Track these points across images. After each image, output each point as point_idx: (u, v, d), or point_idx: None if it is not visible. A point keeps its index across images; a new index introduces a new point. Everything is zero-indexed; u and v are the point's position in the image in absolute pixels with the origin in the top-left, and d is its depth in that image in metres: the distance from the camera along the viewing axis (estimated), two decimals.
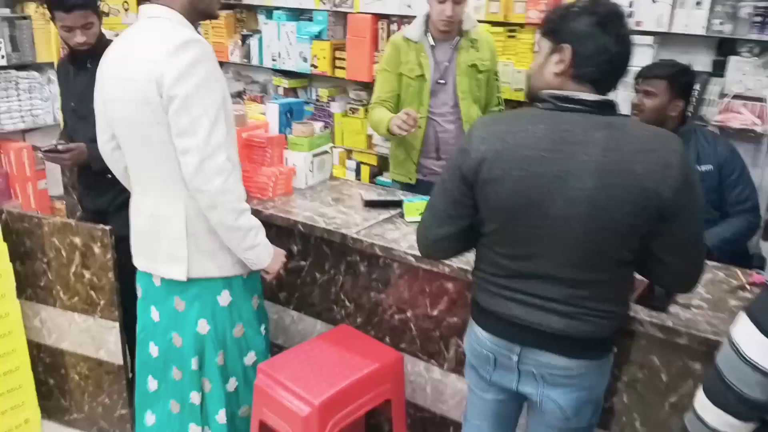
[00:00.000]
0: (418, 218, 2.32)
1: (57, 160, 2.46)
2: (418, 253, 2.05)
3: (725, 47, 2.96)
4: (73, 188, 3.18)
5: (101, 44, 2.46)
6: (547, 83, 1.47)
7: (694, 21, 2.85)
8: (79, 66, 2.49)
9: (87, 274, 2.32)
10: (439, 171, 2.81)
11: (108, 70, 1.86)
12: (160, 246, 1.91)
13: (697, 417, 1.28)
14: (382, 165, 3.97)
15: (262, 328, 2.14)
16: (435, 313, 2.17)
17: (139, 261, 2.01)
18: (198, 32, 1.84)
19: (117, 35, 2.88)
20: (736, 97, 2.90)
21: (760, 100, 2.86)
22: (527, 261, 1.48)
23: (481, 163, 1.43)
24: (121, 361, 2.38)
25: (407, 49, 2.75)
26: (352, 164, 3.95)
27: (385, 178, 3.88)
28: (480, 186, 1.46)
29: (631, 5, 2.95)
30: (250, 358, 2.09)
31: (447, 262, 2.02)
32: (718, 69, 2.97)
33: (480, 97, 2.78)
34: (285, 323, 2.58)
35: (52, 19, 2.40)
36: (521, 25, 3.31)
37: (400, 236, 2.21)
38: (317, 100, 4.13)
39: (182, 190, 1.81)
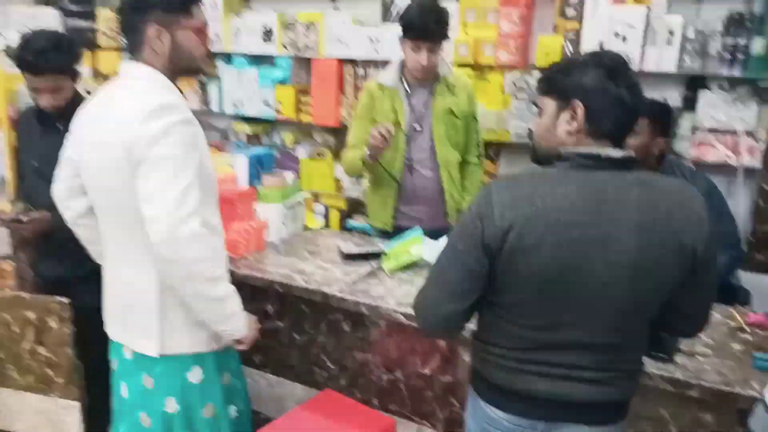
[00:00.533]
0: (397, 264, 2.26)
1: (17, 229, 2.29)
2: (407, 311, 1.97)
3: (695, 83, 3.00)
4: (24, 252, 2.98)
5: (72, 104, 2.33)
6: (560, 142, 1.38)
7: (665, 59, 2.88)
8: (47, 126, 2.34)
9: (42, 351, 2.13)
10: (418, 217, 2.74)
11: (82, 131, 1.76)
12: (134, 318, 1.78)
13: None
14: (352, 208, 3.88)
15: (233, 409, 1.97)
16: (427, 371, 2.07)
17: (112, 330, 1.87)
18: (179, 90, 1.73)
19: (89, 92, 2.78)
20: (709, 131, 2.92)
21: (732, 133, 2.89)
22: (554, 331, 1.37)
23: (509, 230, 1.29)
24: None
25: (382, 95, 2.68)
26: (320, 208, 3.85)
27: (355, 221, 3.79)
28: (506, 255, 1.32)
29: (601, 46, 2.96)
30: None
31: None
32: (689, 104, 3.00)
33: (459, 142, 2.73)
34: (260, 387, 2.43)
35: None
36: (490, 67, 3.30)
37: (386, 292, 2.11)
38: (282, 146, 4.03)
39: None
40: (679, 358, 1.73)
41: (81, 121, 1.79)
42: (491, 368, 1.47)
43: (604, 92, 1.32)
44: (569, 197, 1.28)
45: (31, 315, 2.11)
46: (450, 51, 3.26)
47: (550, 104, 1.40)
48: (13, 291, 2.18)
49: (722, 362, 1.73)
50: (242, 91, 3.95)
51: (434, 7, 2.51)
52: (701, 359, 1.74)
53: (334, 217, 3.82)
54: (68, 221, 1.96)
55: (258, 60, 3.97)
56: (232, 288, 1.75)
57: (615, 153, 1.33)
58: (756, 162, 2.82)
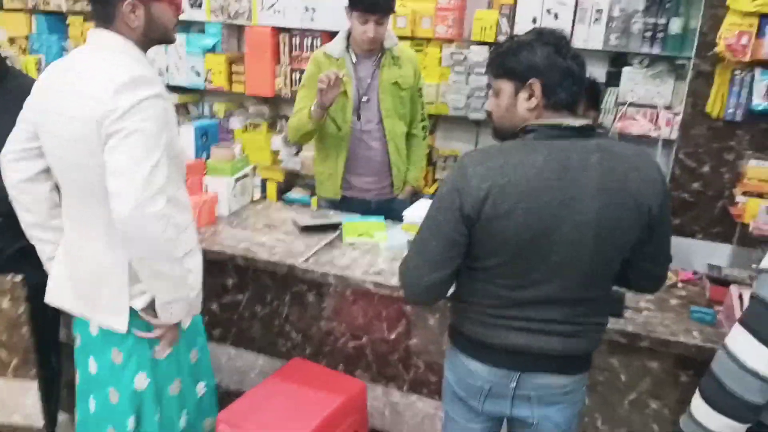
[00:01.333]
0: (357, 239, 2.34)
1: None
2: (375, 279, 2.06)
3: (618, 60, 3.23)
4: None
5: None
6: (522, 119, 1.50)
7: (592, 36, 3.09)
8: None
9: None
10: (366, 188, 2.82)
11: (46, 97, 1.68)
12: (101, 294, 1.74)
13: (695, 422, 1.38)
14: (290, 180, 3.89)
15: (201, 385, 1.99)
16: (393, 336, 2.17)
17: (75, 306, 1.82)
18: (146, 60, 1.69)
19: (7, 58, 2.60)
20: (631, 105, 3.18)
21: (652, 107, 3.15)
22: (529, 289, 1.50)
23: (485, 200, 1.41)
24: (41, 423, 2.12)
25: (328, 65, 2.70)
26: (256, 181, 3.81)
27: (293, 194, 3.81)
28: (483, 223, 1.43)
29: (534, 21, 3.12)
30: (183, 418, 1.95)
31: None
32: (613, 80, 3.24)
33: (404, 114, 2.81)
34: (221, 362, 2.44)
35: None
36: (428, 40, 3.39)
37: (351, 262, 2.19)
38: (213, 116, 3.96)
39: None
40: (627, 314, 1.93)
41: (44, 87, 1.71)
42: (470, 324, 1.60)
43: (555, 67, 1.45)
44: (537, 165, 1.41)
45: None
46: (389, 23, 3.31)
47: (506, 86, 1.51)
48: None
49: (664, 315, 1.95)
50: (169, 58, 3.82)
51: None
52: (647, 313, 1.95)
53: (272, 189, 3.82)
54: (10, 185, 1.84)
55: (186, 27, 3.85)
56: (188, 267, 1.73)
57: (575, 122, 1.47)
58: (673, 133, 3.10)
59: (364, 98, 2.72)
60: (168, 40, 1.77)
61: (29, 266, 2.25)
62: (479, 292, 1.55)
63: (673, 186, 3.10)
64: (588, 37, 3.09)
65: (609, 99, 3.23)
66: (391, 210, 2.79)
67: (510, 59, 1.49)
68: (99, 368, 1.84)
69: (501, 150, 1.47)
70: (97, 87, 1.56)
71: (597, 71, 3.24)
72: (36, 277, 2.23)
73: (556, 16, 3.11)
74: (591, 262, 1.46)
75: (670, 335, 1.83)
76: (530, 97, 1.47)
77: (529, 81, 1.46)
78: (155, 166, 1.55)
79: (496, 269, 1.50)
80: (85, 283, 1.78)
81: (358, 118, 2.73)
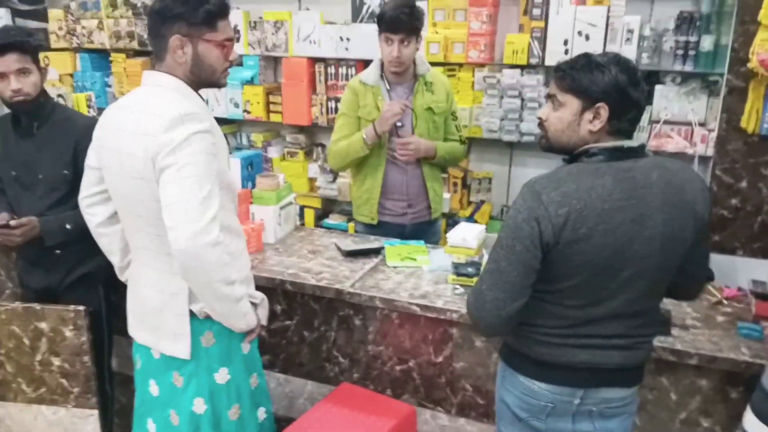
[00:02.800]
0: (400, 263, 2.39)
1: (5, 236, 2.25)
2: (421, 302, 2.10)
3: (650, 78, 3.25)
4: (0, 264, 2.91)
5: (47, 106, 2.30)
6: (582, 140, 1.53)
7: (623, 55, 3.11)
8: (24, 132, 2.29)
9: (56, 361, 2.13)
10: (401, 212, 2.86)
11: (104, 137, 1.78)
12: (164, 322, 1.82)
13: None
14: (327, 206, 3.96)
15: (261, 410, 2.03)
16: (440, 359, 2.20)
17: (138, 334, 1.91)
18: (201, 98, 1.78)
19: (60, 96, 2.73)
20: (665, 122, 3.19)
21: (686, 124, 3.16)
22: (597, 306, 1.54)
23: (564, 225, 1.44)
24: None
25: (364, 92, 2.78)
26: (295, 209, 3.91)
27: (331, 220, 3.87)
28: (561, 248, 1.47)
29: (566, 43, 3.17)
30: None
31: (453, 307, 2.06)
32: (646, 97, 3.25)
33: (438, 138, 2.86)
34: (270, 387, 2.48)
35: None
36: (460, 65, 3.45)
37: (395, 285, 2.23)
38: (251, 146, 4.06)
39: None
40: (674, 332, 1.94)
41: (102, 127, 1.80)
42: (534, 345, 1.61)
43: (626, 97, 1.48)
44: (607, 187, 1.45)
45: (43, 326, 2.11)
46: (422, 49, 3.39)
47: (573, 102, 1.52)
48: (22, 303, 2.15)
49: (711, 332, 1.95)
50: (209, 91, 3.94)
51: (406, 3, 2.65)
52: (694, 331, 1.95)
53: (309, 216, 3.90)
54: (91, 229, 1.98)
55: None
56: (245, 289, 1.81)
57: (633, 143, 1.52)
58: (709, 150, 3.10)
59: (399, 123, 2.78)
60: (215, 84, 1.81)
61: (88, 294, 2.36)
62: (546, 314, 1.58)
63: (712, 202, 3.09)
64: None
65: (643, 117, 3.24)
66: (426, 233, 2.84)
67: (584, 77, 1.49)
68: (161, 390, 1.90)
69: (569, 174, 1.49)
70: (148, 124, 1.64)
71: None
72: (94, 305, 2.33)
73: (587, 38, 3.15)
74: (655, 274, 1.52)
75: (718, 352, 1.84)
76: (594, 119, 1.49)
77: (598, 104, 1.47)
78: (207, 197, 1.62)
79: (568, 291, 1.53)
80: (149, 312, 1.86)
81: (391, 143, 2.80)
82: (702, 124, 3.16)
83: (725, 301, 2.16)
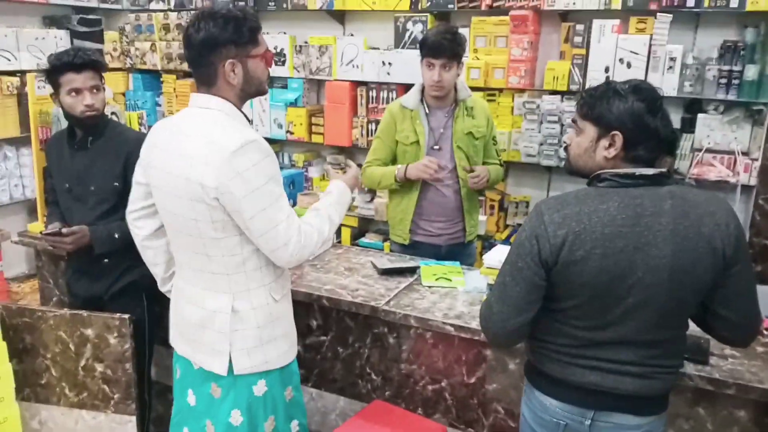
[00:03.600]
0: (435, 282, 2.40)
1: (57, 244, 2.35)
2: (455, 322, 2.11)
3: (693, 106, 3.23)
4: (48, 272, 3.02)
5: (102, 122, 2.42)
6: (598, 165, 1.55)
7: (666, 84, 3.10)
8: (79, 146, 2.41)
9: (99, 367, 2.20)
10: (437, 233, 2.88)
11: (154, 157, 1.82)
12: (203, 338, 1.86)
13: None
14: (363, 226, 4.00)
15: (295, 423, 2.04)
16: (472, 380, 2.19)
17: (179, 346, 1.95)
18: (245, 115, 1.84)
19: (114, 114, 2.85)
20: (707, 151, 3.15)
21: (729, 153, 3.12)
22: (605, 330, 1.54)
23: (562, 246, 1.48)
24: None
25: (402, 116, 2.82)
26: None
27: (367, 239, 3.91)
28: (560, 268, 1.50)
29: (607, 71, 3.17)
30: None
31: None
32: (688, 126, 3.23)
33: (477, 162, 2.88)
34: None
35: (56, 90, 2.33)
36: (500, 90, 3.48)
37: (430, 305, 2.24)
38: (292, 165, 4.15)
39: (230, 284, 1.80)
40: (712, 361, 1.90)
41: (152, 146, 1.84)
42: (548, 362, 1.64)
43: (643, 126, 1.48)
44: (610, 212, 1.46)
45: (89, 332, 2.17)
46: (462, 74, 3.43)
47: (590, 129, 1.55)
48: (69, 310, 2.23)
49: (750, 363, 1.90)
50: (253, 112, 4.06)
51: (448, 29, 2.71)
52: (732, 360, 1.91)
53: (346, 234, 3.94)
54: (137, 242, 2.04)
55: (270, 81, 4.08)
56: (327, 223, 1.89)
57: (648, 171, 1.51)
58: (752, 179, 3.05)
59: (436, 147, 2.81)
60: (262, 92, 1.87)
61: (131, 303, 2.44)
62: (556, 331, 1.60)
63: (754, 232, 3.04)
64: (662, 84, 3.10)
65: (684, 145, 3.21)
66: (460, 255, 2.84)
67: (600, 105, 1.52)
68: (198, 400, 1.93)
69: (576, 197, 1.52)
70: (208, 152, 1.66)
71: (671, 117, 3.20)
72: (137, 314, 2.41)
73: (629, 65, 3.15)
74: (666, 305, 1.49)
75: (757, 383, 1.79)
76: (610, 146, 1.51)
77: (613, 132, 1.49)
78: (288, 216, 1.74)
79: (573, 311, 1.55)
80: (190, 327, 1.90)
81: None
82: (745, 153, 3.11)
83: (766, 332, 2.11)
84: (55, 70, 2.31)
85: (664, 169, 1.54)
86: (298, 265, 1.84)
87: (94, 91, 2.34)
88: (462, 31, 3.45)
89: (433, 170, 2.70)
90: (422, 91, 2.83)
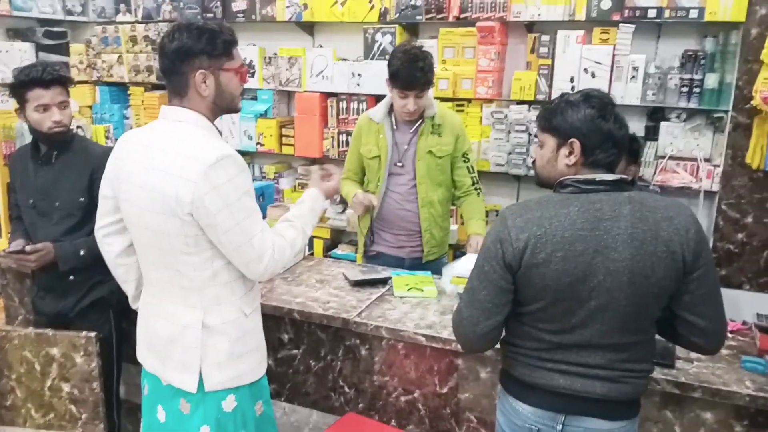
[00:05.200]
0: (407, 293, 2.41)
1: (21, 262, 2.30)
2: (427, 333, 2.11)
3: (656, 114, 3.29)
4: (13, 290, 2.95)
5: (67, 137, 2.38)
6: (560, 173, 1.61)
7: (629, 93, 3.16)
8: (44, 161, 2.37)
9: (66, 387, 2.16)
10: (399, 245, 2.86)
11: (123, 169, 1.79)
12: (173, 353, 1.83)
13: None
14: (336, 237, 3.99)
15: None
16: (444, 390, 2.20)
17: (147, 361, 1.92)
18: (216, 128, 1.82)
19: (80, 127, 2.81)
20: (671, 158, 3.21)
21: (692, 159, 3.18)
22: (570, 333, 1.57)
23: (524, 249, 1.52)
24: None
25: (368, 129, 2.81)
26: None
27: (339, 250, 3.90)
28: (524, 271, 1.53)
29: (572, 80, 3.22)
30: None
31: None
32: (651, 133, 3.29)
33: (443, 180, 2.82)
34: (275, 416, 2.48)
35: (21, 105, 2.29)
36: (469, 100, 3.51)
37: (402, 315, 2.24)
38: (263, 177, 4.12)
39: (201, 299, 1.78)
40: (678, 364, 1.93)
41: (120, 159, 1.81)
42: (518, 366, 1.67)
43: (597, 130, 1.55)
44: (570, 217, 1.51)
45: (55, 351, 2.13)
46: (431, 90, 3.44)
47: (550, 140, 1.63)
48: (35, 329, 2.19)
49: (715, 366, 1.94)
50: (223, 124, 4.02)
51: (419, 56, 2.58)
52: (698, 363, 1.95)
53: (318, 246, 3.93)
54: (108, 261, 1.99)
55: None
56: (299, 235, 1.90)
57: (608, 177, 1.56)
58: (714, 185, 3.11)
59: (399, 164, 2.78)
60: (234, 109, 1.86)
61: (99, 320, 2.40)
62: (525, 335, 1.64)
63: (718, 237, 3.10)
64: (625, 93, 3.17)
65: (648, 152, 3.27)
66: (425, 269, 2.77)
67: (556, 117, 1.60)
68: (167, 417, 1.90)
69: (539, 203, 1.58)
70: (183, 166, 1.64)
71: (635, 125, 3.30)
72: (105, 330, 2.36)
73: (593, 75, 3.21)
74: (627, 308, 1.52)
75: (722, 385, 1.83)
76: (570, 154, 1.58)
77: (570, 140, 1.56)
78: (261, 229, 1.74)
79: (538, 314, 1.58)
80: (160, 343, 1.86)
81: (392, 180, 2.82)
82: (707, 160, 3.18)
83: (730, 335, 2.15)
84: (22, 85, 2.27)
85: (625, 176, 1.60)
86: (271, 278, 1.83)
87: (63, 107, 2.32)
88: (430, 41, 3.52)
89: (361, 207, 2.76)
90: (391, 105, 2.80)
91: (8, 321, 3.04)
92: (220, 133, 1.86)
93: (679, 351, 1.98)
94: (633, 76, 3.15)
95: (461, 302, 1.67)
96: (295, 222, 1.91)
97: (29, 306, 2.67)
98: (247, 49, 3.93)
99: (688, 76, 3.11)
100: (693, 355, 1.99)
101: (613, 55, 3.17)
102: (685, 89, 3.11)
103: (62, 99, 2.31)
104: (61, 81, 2.31)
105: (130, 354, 2.05)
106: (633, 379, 1.61)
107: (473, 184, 2.86)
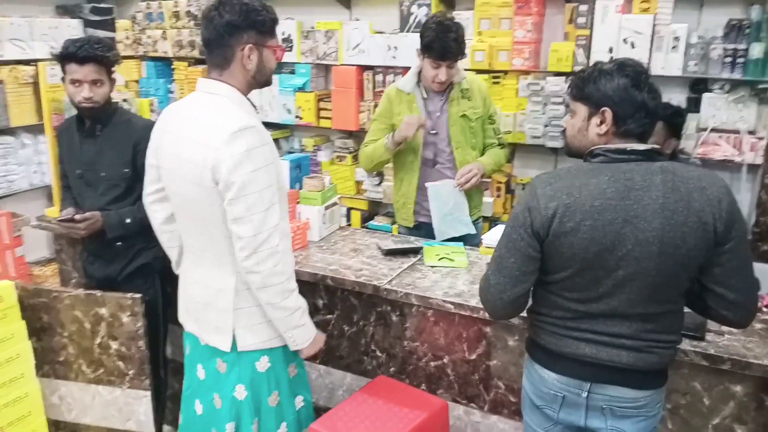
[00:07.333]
0: (438, 263, 2.44)
1: (71, 229, 2.41)
2: (455, 300, 2.14)
3: (698, 85, 3.21)
4: (67, 255, 3.10)
5: (110, 110, 2.46)
6: (591, 142, 1.60)
7: (670, 63, 3.09)
8: (88, 133, 2.46)
9: (114, 345, 2.27)
10: None
11: (163, 139, 1.87)
12: (208, 316, 1.92)
13: None
14: (373, 209, 4.04)
15: (299, 399, 2.10)
16: (473, 357, 2.23)
17: (187, 323, 2.02)
18: (251, 103, 1.87)
19: (126, 101, 2.90)
20: (713, 130, 3.14)
21: (735, 132, 3.10)
22: (597, 302, 1.58)
23: (552, 218, 1.52)
24: (153, 430, 2.32)
25: (399, 100, 2.83)
26: (342, 210, 4.00)
27: (376, 222, 3.95)
28: (552, 239, 1.54)
29: (611, 51, 3.16)
30: (282, 429, 2.06)
31: None
32: (693, 105, 3.21)
33: (476, 143, 2.88)
34: (311, 378, 2.57)
35: (63, 77, 2.38)
36: (505, 72, 3.48)
37: (431, 284, 2.28)
38: (302, 150, 4.19)
39: (233, 265, 1.84)
40: (709, 337, 1.92)
41: (161, 131, 1.90)
42: (544, 335, 1.69)
43: (630, 99, 1.53)
44: (600, 186, 1.51)
45: (103, 311, 2.24)
46: (467, 57, 3.42)
47: (581, 109, 1.61)
48: (84, 290, 2.30)
49: (748, 339, 1.92)
50: (262, 98, 4.09)
51: (451, 27, 2.62)
52: (729, 336, 1.93)
53: (356, 218, 3.98)
54: (154, 227, 2.09)
55: (278, 67, 4.10)
56: (303, 302, 1.91)
57: (640, 146, 1.55)
58: (758, 158, 3.03)
59: (433, 131, 2.82)
60: (268, 83, 1.93)
61: (145, 284, 2.50)
62: (551, 304, 1.65)
63: (761, 211, 3.02)
64: (666, 64, 3.09)
65: (690, 125, 3.20)
66: (465, 236, 2.85)
67: (588, 85, 1.58)
68: (207, 374, 2.00)
69: (569, 172, 1.58)
70: (209, 135, 1.72)
71: (676, 97, 3.22)
72: (150, 294, 2.47)
73: (632, 45, 3.14)
74: (656, 278, 1.52)
75: (753, 358, 1.81)
76: (601, 123, 1.57)
77: (602, 109, 1.55)
78: (269, 209, 1.74)
79: (565, 282, 1.59)
80: (196, 305, 1.97)
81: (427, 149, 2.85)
82: (751, 132, 3.10)
83: (765, 309, 2.12)
84: (60, 58, 2.36)
85: (655, 146, 1.57)
86: (259, 274, 1.76)
87: (94, 85, 2.36)
88: (466, 13, 3.49)
89: (414, 126, 2.68)
90: (419, 74, 2.82)
91: (62, 284, 3.20)
92: (255, 107, 1.91)
93: (711, 324, 1.96)
94: (674, 47, 3.07)
95: (488, 270, 1.69)
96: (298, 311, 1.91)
97: (81, 270, 2.79)
98: (285, 23, 3.97)
99: (732, 46, 3.02)
100: (725, 328, 1.97)
101: (654, 25, 3.09)
102: (728, 59, 3.03)
103: (96, 77, 2.35)
104: (96, 59, 2.34)
105: (175, 316, 2.14)
106: (659, 350, 1.61)
107: (499, 144, 2.94)
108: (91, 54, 2.33)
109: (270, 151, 1.78)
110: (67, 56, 2.33)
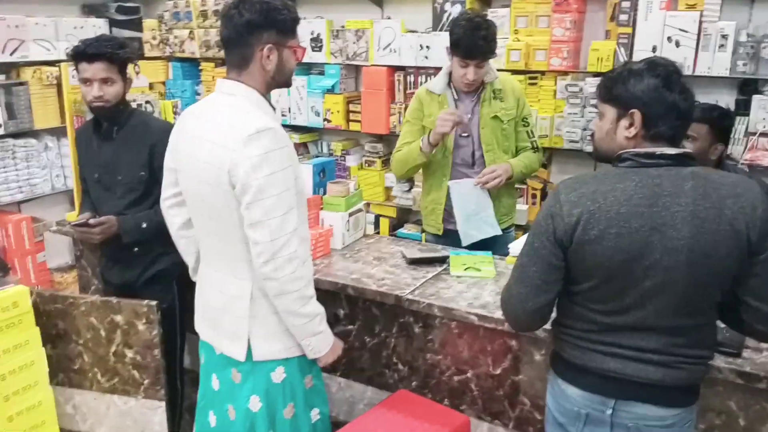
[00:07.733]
0: (464, 272, 2.49)
1: (85, 234, 2.52)
2: (479, 312, 2.19)
3: (747, 87, 3.18)
4: (87, 261, 3.24)
5: (125, 111, 2.56)
6: (620, 146, 1.61)
7: (717, 63, 3.08)
8: (105, 136, 2.56)
9: (129, 353, 2.37)
10: None
11: (180, 141, 1.96)
12: (224, 322, 2.00)
13: None
14: (402, 216, 4.10)
15: (315, 411, 2.14)
16: (498, 371, 2.27)
17: (202, 330, 2.10)
18: (270, 104, 1.94)
19: (148, 103, 3.02)
20: (762, 135, 3.11)
21: None
22: (623, 314, 1.59)
23: (576, 225, 1.54)
24: None
25: (430, 101, 2.89)
26: (370, 217, 4.06)
27: (405, 230, 4.01)
28: (575, 247, 1.56)
29: (654, 50, 3.16)
30: None
31: None
32: (741, 108, 3.19)
33: (508, 147, 2.91)
34: (331, 391, 2.64)
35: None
36: (542, 73, 3.51)
37: (456, 294, 2.33)
38: (330, 154, 4.28)
39: (250, 270, 1.90)
40: (746, 354, 1.92)
41: (180, 132, 1.98)
42: (569, 348, 1.71)
43: (660, 100, 1.54)
44: (627, 192, 1.52)
45: (119, 318, 2.35)
46: (502, 57, 3.47)
47: (609, 111, 1.63)
48: (100, 297, 2.42)
49: None
50: (291, 100, 4.20)
51: (481, 25, 2.66)
52: (767, 354, 1.93)
53: (384, 225, 4.04)
54: (172, 233, 2.18)
55: (306, 68, 4.22)
56: (321, 308, 1.97)
57: (670, 150, 1.56)
58: None
59: (464, 134, 2.87)
60: (288, 84, 2.00)
61: (163, 291, 2.61)
62: (576, 316, 1.67)
63: None
64: (713, 64, 3.08)
65: (738, 128, 3.17)
66: (495, 245, 2.88)
67: (617, 86, 1.60)
68: (221, 385, 2.07)
69: (595, 177, 1.59)
70: (226, 136, 1.79)
71: (724, 99, 3.20)
72: (168, 301, 2.57)
73: (677, 44, 3.14)
74: (686, 289, 1.53)
75: None
76: (630, 126, 1.58)
77: (631, 110, 1.56)
78: (286, 213, 1.79)
79: (590, 293, 1.61)
80: (212, 311, 2.04)
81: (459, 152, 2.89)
82: None
83: None
84: (72, 58, 2.46)
85: (687, 150, 1.59)
86: (276, 280, 1.82)
87: (105, 83, 2.43)
88: (502, 11, 3.53)
89: (451, 121, 2.68)
90: (449, 74, 2.86)
91: (82, 290, 3.35)
92: (274, 108, 1.99)
93: (749, 340, 1.97)
94: (722, 45, 3.06)
95: (510, 279, 1.72)
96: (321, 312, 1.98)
97: (100, 276, 2.93)
98: (314, 22, 4.08)
99: None
100: (764, 345, 1.97)
101: (700, 22, 3.08)
102: None
103: (105, 75, 2.42)
104: (105, 56, 2.41)
105: (192, 324, 2.23)
106: (689, 365, 1.62)
107: (533, 148, 2.95)
108: (99, 51, 2.41)
109: (288, 154, 1.84)
110: (77, 54, 2.43)
